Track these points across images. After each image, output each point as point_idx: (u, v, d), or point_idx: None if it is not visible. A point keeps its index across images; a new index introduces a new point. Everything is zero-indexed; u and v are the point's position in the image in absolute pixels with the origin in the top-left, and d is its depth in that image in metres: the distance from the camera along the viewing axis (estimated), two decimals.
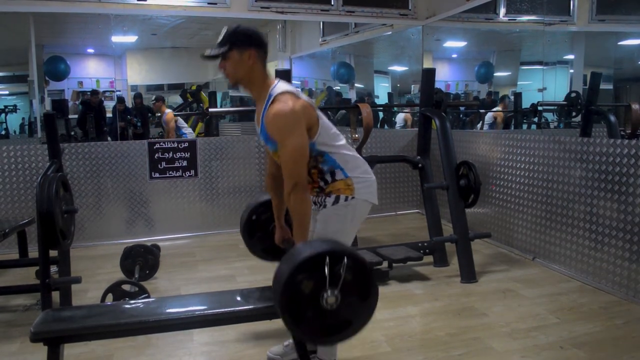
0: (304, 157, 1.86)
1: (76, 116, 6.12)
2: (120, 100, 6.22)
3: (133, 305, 1.87)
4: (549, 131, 4.61)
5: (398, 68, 7.12)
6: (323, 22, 6.56)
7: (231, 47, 1.88)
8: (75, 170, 4.45)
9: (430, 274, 3.63)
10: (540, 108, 4.77)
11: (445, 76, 6.06)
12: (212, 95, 7.18)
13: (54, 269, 3.02)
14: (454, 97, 5.93)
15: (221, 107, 7.38)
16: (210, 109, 5.33)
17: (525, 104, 5.10)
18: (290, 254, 1.64)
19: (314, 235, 2.00)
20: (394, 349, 2.51)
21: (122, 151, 4.58)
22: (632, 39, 4.35)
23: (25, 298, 3.20)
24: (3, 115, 5.68)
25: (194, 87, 7.22)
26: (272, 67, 6.87)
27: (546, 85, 4.35)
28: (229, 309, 1.80)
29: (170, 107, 6.65)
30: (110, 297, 2.82)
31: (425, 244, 3.77)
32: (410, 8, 5.37)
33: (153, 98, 6.13)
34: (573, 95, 4.38)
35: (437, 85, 4.31)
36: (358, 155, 2.08)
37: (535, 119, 5.01)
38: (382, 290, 3.29)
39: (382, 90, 7.48)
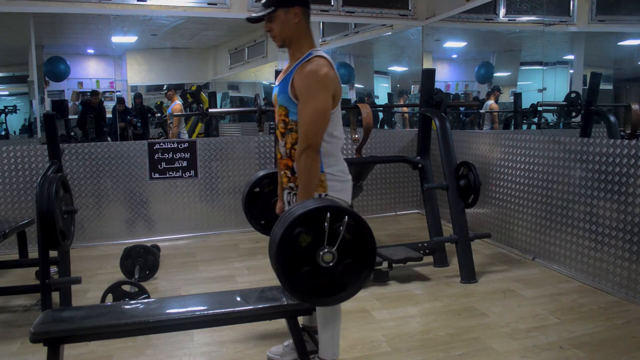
0: (324, 121, 1.85)
1: (76, 117, 6.11)
2: (120, 100, 6.21)
3: (133, 305, 1.87)
4: (548, 131, 4.61)
5: (398, 68, 7.11)
6: (323, 23, 6.55)
7: (277, 7, 1.87)
8: (75, 171, 4.45)
9: (430, 274, 3.63)
10: (540, 108, 4.77)
11: (445, 76, 6.06)
12: (212, 96, 7.16)
13: (54, 269, 3.02)
14: (453, 98, 5.93)
15: (221, 107, 7.37)
16: (210, 110, 5.32)
17: (525, 104, 5.10)
18: (292, 207, 1.63)
19: None
20: (394, 349, 2.50)
21: (122, 151, 4.58)
22: (632, 39, 4.35)
23: (25, 298, 3.20)
24: (3, 115, 5.68)
25: (194, 88, 7.21)
26: (272, 67, 6.88)
27: (546, 85, 4.35)
28: (229, 309, 1.80)
29: (169, 107, 6.68)
30: (110, 297, 2.82)
31: (425, 244, 3.77)
32: (410, 8, 5.37)
33: (164, 88, 6.19)
34: (573, 95, 4.38)
35: (437, 85, 4.31)
36: (342, 156, 2.06)
37: (535, 119, 5.01)
38: (382, 290, 3.31)
39: (382, 90, 7.48)
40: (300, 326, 2.02)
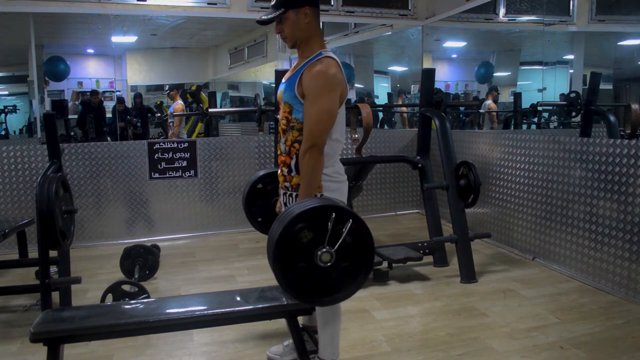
0: (330, 121, 1.86)
1: (76, 116, 6.11)
2: (120, 100, 6.21)
3: (133, 305, 1.87)
4: (547, 131, 4.61)
5: (398, 68, 7.12)
6: (323, 22, 6.54)
7: (287, 9, 1.87)
8: (75, 171, 4.45)
9: (430, 274, 3.63)
10: (540, 108, 4.77)
11: (445, 76, 6.06)
12: (212, 96, 7.16)
13: (53, 269, 3.02)
14: (453, 97, 5.93)
15: (221, 107, 7.37)
16: (210, 110, 5.33)
17: (525, 104, 5.10)
18: (294, 204, 1.64)
19: None
20: (394, 349, 2.50)
21: (122, 151, 4.58)
22: (631, 39, 4.35)
23: (25, 298, 3.20)
24: (3, 115, 5.68)
25: (193, 88, 7.21)
26: (271, 67, 6.88)
27: (546, 85, 4.35)
28: (229, 309, 1.80)
29: (169, 107, 6.67)
30: (110, 297, 2.82)
31: (425, 244, 3.77)
32: (410, 8, 5.37)
33: (166, 88, 6.19)
34: (572, 95, 4.38)
35: (437, 85, 4.31)
36: (338, 158, 2.06)
37: (535, 119, 5.01)
38: (382, 290, 3.31)
39: (381, 90, 7.48)
40: (300, 326, 2.02)
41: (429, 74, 4.04)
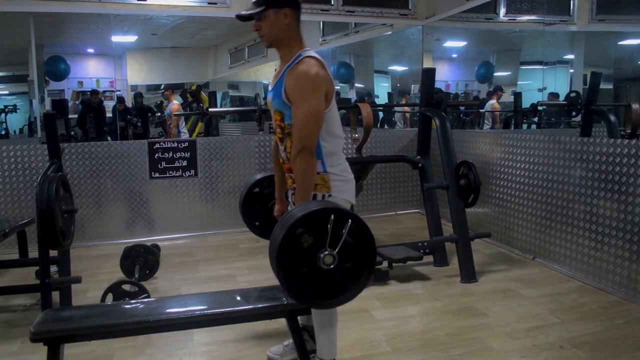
0: (317, 123, 1.84)
1: (76, 116, 6.12)
2: (120, 100, 6.22)
3: (133, 305, 1.87)
4: (547, 131, 4.61)
5: (398, 68, 7.11)
6: (323, 22, 6.56)
7: (267, 7, 1.86)
8: (75, 170, 4.45)
9: (430, 273, 3.63)
10: (540, 108, 4.77)
11: (445, 76, 6.06)
12: (212, 95, 7.17)
13: (54, 269, 3.02)
14: (453, 97, 5.93)
15: (221, 107, 7.37)
16: (210, 109, 5.33)
17: (525, 103, 5.10)
18: (293, 209, 1.63)
19: None
20: (394, 349, 2.51)
21: (122, 151, 4.58)
22: (632, 38, 4.35)
23: (25, 298, 3.20)
24: (3, 115, 5.68)
25: (194, 87, 7.22)
26: (272, 67, 6.86)
27: (546, 85, 4.35)
28: (229, 309, 1.80)
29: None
30: (110, 297, 2.82)
31: (425, 243, 3.77)
32: (410, 8, 5.37)
33: (162, 87, 6.18)
34: (573, 95, 4.38)
35: (437, 85, 4.31)
36: (343, 155, 2.05)
37: (536, 119, 5.01)
38: (382, 290, 3.31)
39: (382, 90, 7.48)
40: (300, 326, 2.02)
41: (429, 74, 4.04)
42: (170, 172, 4.70)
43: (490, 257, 3.98)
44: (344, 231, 1.56)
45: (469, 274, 3.45)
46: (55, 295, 2.85)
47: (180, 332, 2.59)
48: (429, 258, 3.75)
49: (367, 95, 7.54)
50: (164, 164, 4.67)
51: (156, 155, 4.64)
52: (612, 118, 4.12)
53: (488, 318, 2.86)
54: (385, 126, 7.07)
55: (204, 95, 7.17)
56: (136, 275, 3.40)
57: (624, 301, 3.03)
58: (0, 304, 3.15)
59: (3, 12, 4.31)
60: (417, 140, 4.14)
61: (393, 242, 3.98)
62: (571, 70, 4.86)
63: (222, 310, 1.79)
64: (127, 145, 4.63)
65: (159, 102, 7.02)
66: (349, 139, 4.39)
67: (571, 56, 4.94)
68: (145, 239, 4.42)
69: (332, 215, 1.54)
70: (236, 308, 1.82)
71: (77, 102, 6.36)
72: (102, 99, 6.29)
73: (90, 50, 6.65)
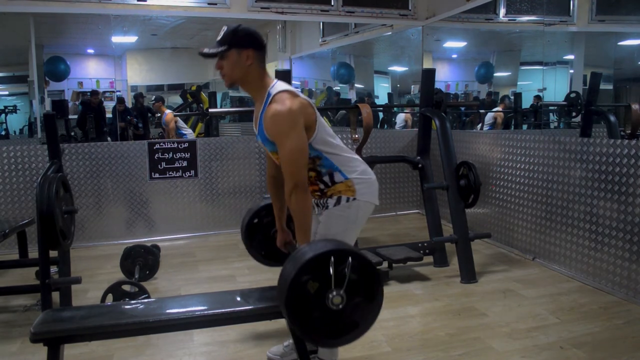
0: (304, 157, 1.84)
1: (76, 116, 6.12)
2: (120, 100, 6.22)
3: (133, 305, 1.87)
4: (547, 131, 4.61)
5: (398, 68, 7.12)
6: (323, 23, 6.56)
7: (230, 47, 1.86)
8: (75, 171, 4.45)
9: (430, 274, 3.63)
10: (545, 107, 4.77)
11: (445, 76, 6.06)
12: (212, 96, 7.17)
13: (54, 269, 3.02)
14: (453, 98, 5.93)
15: (221, 107, 7.38)
16: (210, 110, 5.33)
17: (526, 104, 5.10)
18: (294, 254, 1.63)
19: (316, 236, 2.00)
20: (394, 349, 2.51)
21: (122, 151, 4.58)
22: (632, 39, 4.35)
23: (25, 298, 3.20)
24: (3, 115, 5.68)
25: (194, 88, 7.22)
26: (272, 68, 6.88)
27: (546, 85, 4.35)
28: (229, 309, 1.80)
29: (170, 107, 6.66)
30: (110, 297, 2.82)
31: (425, 244, 3.77)
32: (410, 8, 5.37)
33: (152, 99, 6.13)
34: (573, 95, 4.38)
35: (437, 85, 4.31)
36: (356, 156, 2.06)
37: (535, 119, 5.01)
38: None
39: (382, 90, 7.49)
40: None
41: (429, 74, 4.04)
42: (171, 173, 4.70)
43: (490, 258, 3.98)
44: (346, 270, 1.56)
45: (469, 274, 3.45)
46: (55, 296, 2.85)
47: (181, 333, 2.59)
48: (429, 258, 3.75)
49: (367, 96, 7.55)
50: (164, 164, 4.67)
51: (156, 155, 4.64)
52: (612, 118, 4.12)
53: (488, 318, 2.86)
54: (385, 126, 7.07)
55: (204, 95, 7.17)
56: (136, 276, 3.40)
57: (624, 301, 3.03)
58: (0, 304, 3.15)
59: (3, 12, 4.31)
60: (417, 141, 4.14)
61: (393, 242, 3.98)
62: (571, 71, 4.86)
63: (223, 310, 1.79)
64: (127, 146, 4.63)
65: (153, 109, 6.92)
66: (349, 139, 4.39)
67: (571, 56, 4.94)
68: (145, 239, 4.43)
69: (332, 257, 1.54)
70: (236, 308, 1.82)
71: (77, 103, 6.36)
72: (102, 99, 6.29)
73: (90, 51, 6.65)
